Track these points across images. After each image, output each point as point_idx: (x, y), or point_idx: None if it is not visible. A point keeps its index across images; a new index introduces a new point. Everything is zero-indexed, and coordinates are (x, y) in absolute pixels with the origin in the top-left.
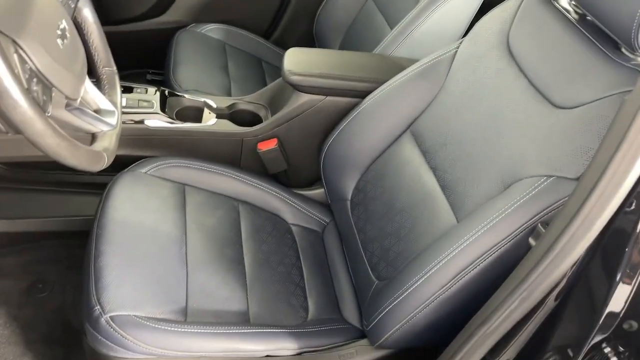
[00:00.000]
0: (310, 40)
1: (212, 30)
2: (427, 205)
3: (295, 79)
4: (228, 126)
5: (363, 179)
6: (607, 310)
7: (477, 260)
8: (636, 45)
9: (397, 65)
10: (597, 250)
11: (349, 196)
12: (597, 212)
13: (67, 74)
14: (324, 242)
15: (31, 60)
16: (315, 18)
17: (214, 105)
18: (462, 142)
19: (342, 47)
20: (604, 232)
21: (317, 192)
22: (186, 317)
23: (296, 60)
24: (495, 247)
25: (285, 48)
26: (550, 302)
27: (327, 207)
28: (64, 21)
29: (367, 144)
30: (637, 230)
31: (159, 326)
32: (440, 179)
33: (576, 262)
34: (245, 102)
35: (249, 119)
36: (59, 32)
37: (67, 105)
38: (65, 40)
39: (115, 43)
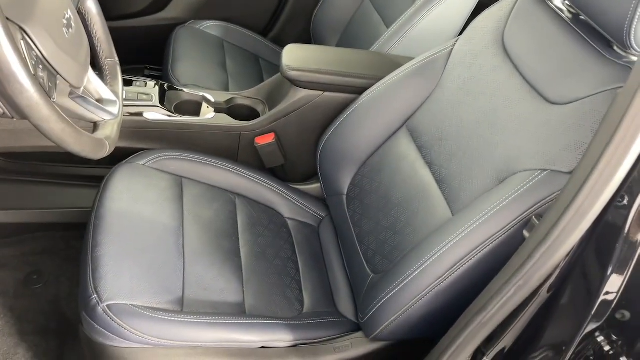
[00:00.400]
0: (307, 39)
1: (211, 27)
2: (423, 199)
3: (293, 74)
4: (226, 120)
5: (359, 174)
6: (600, 299)
7: (472, 252)
8: (628, 43)
9: (394, 63)
10: (589, 242)
11: (345, 191)
12: (589, 205)
13: (72, 63)
14: (319, 237)
15: (37, 47)
16: (313, 17)
17: (212, 100)
18: (457, 137)
19: (339, 46)
20: (597, 224)
21: (313, 187)
22: (182, 307)
23: (294, 56)
24: (490, 240)
25: (283, 46)
26: (544, 293)
27: (323, 201)
28: (69, 11)
29: (363, 140)
30: (628, 224)
31: (156, 315)
32: (436, 174)
33: (569, 252)
34: (243, 97)
35: (246, 113)
36: (64, 21)
37: (71, 94)
38: (70, 30)
39: (114, 39)
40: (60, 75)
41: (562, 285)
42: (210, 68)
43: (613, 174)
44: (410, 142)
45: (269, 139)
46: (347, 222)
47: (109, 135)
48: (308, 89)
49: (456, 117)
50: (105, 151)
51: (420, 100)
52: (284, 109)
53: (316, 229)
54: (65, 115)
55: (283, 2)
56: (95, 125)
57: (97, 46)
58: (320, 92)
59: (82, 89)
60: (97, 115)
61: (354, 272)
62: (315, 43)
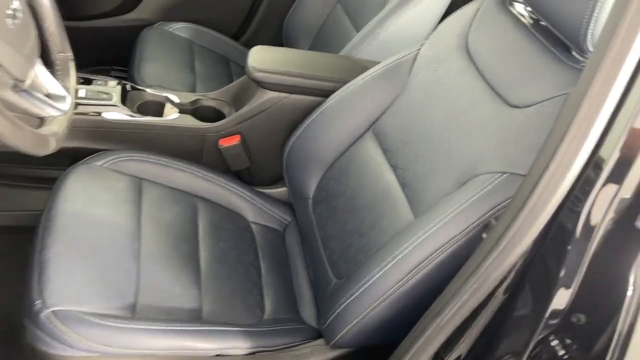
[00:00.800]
0: (279, 43)
1: (181, 29)
2: (388, 202)
3: (259, 75)
4: (190, 121)
5: (325, 177)
6: (554, 302)
7: (432, 255)
8: (585, 47)
9: (362, 67)
10: (544, 244)
11: (311, 194)
12: (542, 206)
13: (16, 54)
14: (285, 241)
15: None
16: (284, 21)
17: (177, 101)
18: (422, 140)
19: (311, 50)
20: (550, 225)
21: (280, 191)
22: (134, 313)
23: (261, 58)
24: (449, 242)
25: None
26: (500, 296)
27: (289, 205)
28: (16, 2)
29: (330, 143)
30: (580, 225)
31: (104, 322)
32: (400, 177)
33: (524, 254)
34: (209, 99)
35: (212, 115)
36: (9, 12)
37: (15, 87)
38: (15, 21)
39: (81, 39)
40: (2, 67)
41: (517, 288)
42: (177, 70)
43: (564, 174)
44: (376, 145)
45: (234, 141)
46: (312, 226)
47: (55, 131)
48: (274, 90)
49: (421, 121)
50: (50, 148)
51: (386, 103)
52: (250, 111)
53: (282, 234)
54: (4, 108)
55: (255, 6)
56: (42, 121)
57: (49, 40)
58: (286, 95)
59: (28, 82)
60: (43, 111)
61: (318, 277)
62: (287, 47)
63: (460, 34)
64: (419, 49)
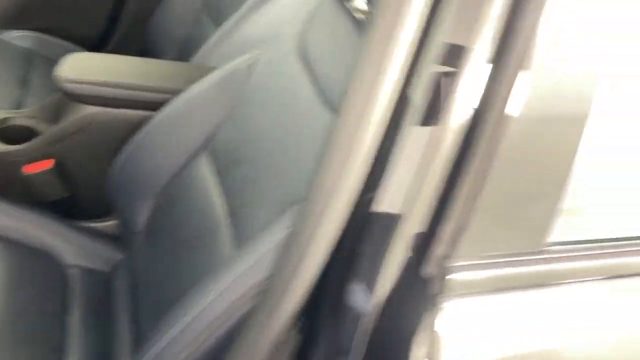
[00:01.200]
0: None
1: (21, 38)
2: (213, 235)
3: (70, 86)
4: None
5: (156, 207)
6: None
7: (231, 309)
8: None
9: (202, 74)
10: (319, 308)
11: (140, 227)
12: (315, 248)
13: None
14: (110, 286)
15: None
16: (146, 30)
17: None
18: (254, 160)
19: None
20: (327, 274)
21: (108, 224)
22: None
23: (77, 66)
24: (252, 290)
25: None
26: None
27: (120, 241)
28: None
29: (160, 165)
30: (358, 270)
31: None
32: (230, 203)
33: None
34: (23, 117)
35: (27, 136)
36: None
37: None
38: None
39: None
40: None
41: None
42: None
43: (331, 203)
44: (210, 166)
45: (44, 166)
46: (139, 267)
47: None
48: (93, 104)
49: (253, 137)
50: None
51: (221, 117)
52: (63, 129)
53: (107, 277)
54: None
55: (116, 15)
56: None
57: None
58: (107, 109)
59: None
60: None
61: (139, 330)
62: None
63: (297, 34)
64: (260, 53)
